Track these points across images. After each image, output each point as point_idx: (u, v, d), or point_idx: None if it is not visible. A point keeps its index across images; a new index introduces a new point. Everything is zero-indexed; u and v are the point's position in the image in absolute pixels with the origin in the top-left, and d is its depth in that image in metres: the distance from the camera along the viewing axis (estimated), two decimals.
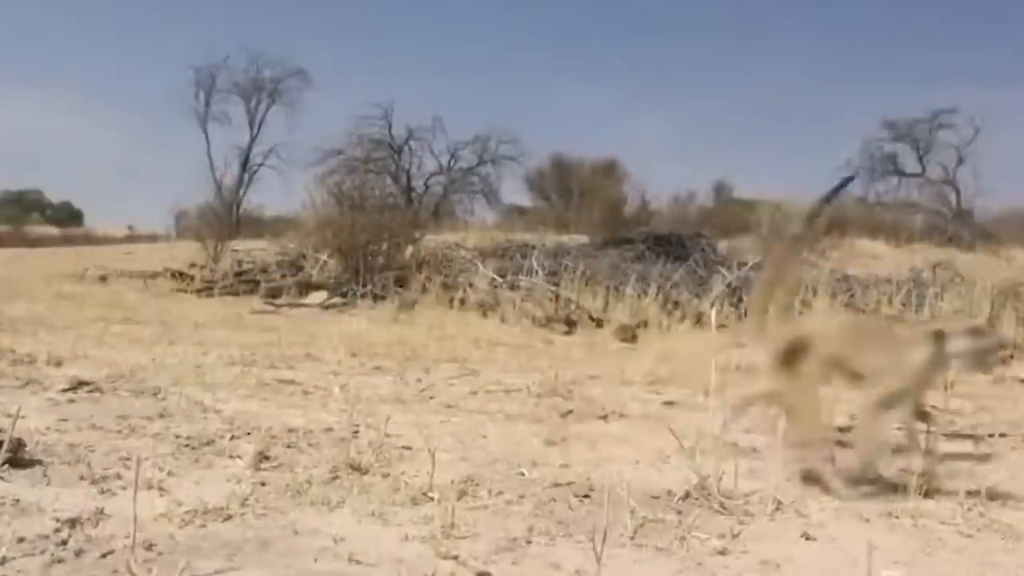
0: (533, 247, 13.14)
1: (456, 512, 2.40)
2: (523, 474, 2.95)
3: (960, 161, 31.22)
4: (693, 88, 53.36)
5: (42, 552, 2.04)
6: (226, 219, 25.07)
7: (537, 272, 10.76)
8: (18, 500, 2.38)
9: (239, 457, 2.97)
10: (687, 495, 2.73)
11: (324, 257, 11.78)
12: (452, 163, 34.23)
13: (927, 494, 2.86)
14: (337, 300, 10.22)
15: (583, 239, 16.46)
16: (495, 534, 2.33)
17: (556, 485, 2.82)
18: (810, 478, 2.96)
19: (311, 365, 5.33)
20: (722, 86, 52.79)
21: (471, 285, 10.51)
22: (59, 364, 4.67)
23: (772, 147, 49.73)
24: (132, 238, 30.20)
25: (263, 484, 2.66)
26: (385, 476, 2.81)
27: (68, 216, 43.79)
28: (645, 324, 8.78)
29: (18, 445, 2.73)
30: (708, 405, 3.68)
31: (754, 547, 2.32)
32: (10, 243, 25.36)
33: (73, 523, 2.22)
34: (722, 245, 15.24)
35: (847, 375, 3.02)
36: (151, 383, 4.27)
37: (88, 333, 6.25)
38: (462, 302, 9.71)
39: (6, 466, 2.62)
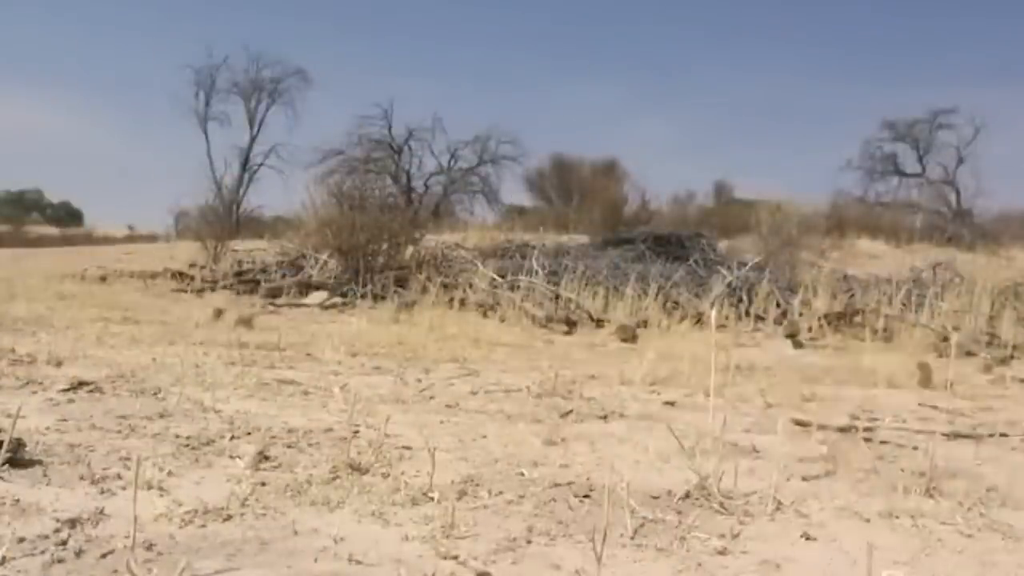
0: (533, 247, 13.16)
1: (456, 512, 2.40)
2: (523, 474, 2.95)
3: (960, 161, 31.23)
4: (693, 88, 53.40)
5: (42, 552, 2.04)
6: (226, 219, 25.04)
7: (537, 272, 10.76)
8: (18, 500, 2.38)
9: (239, 457, 2.96)
10: (687, 495, 2.73)
11: (324, 257, 11.79)
12: (452, 163, 34.18)
13: (927, 494, 2.86)
14: (337, 300, 10.22)
15: (583, 239, 16.49)
16: (495, 534, 2.32)
17: (556, 485, 2.82)
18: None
19: (311, 365, 5.33)
20: (722, 86, 52.84)
21: (471, 285, 10.52)
22: (59, 364, 4.67)
23: (772, 147, 49.81)
24: (132, 238, 30.21)
25: (263, 484, 2.66)
26: (385, 476, 2.81)
27: (68, 216, 43.79)
28: (645, 324, 8.78)
29: (18, 445, 2.73)
30: (708, 405, 3.68)
31: (754, 547, 2.32)
32: (10, 243, 25.34)
33: (73, 523, 2.22)
34: (722, 245, 15.27)
35: None
36: (151, 383, 4.27)
37: (88, 333, 6.25)
38: (462, 302, 9.72)
39: (6, 466, 2.62)
